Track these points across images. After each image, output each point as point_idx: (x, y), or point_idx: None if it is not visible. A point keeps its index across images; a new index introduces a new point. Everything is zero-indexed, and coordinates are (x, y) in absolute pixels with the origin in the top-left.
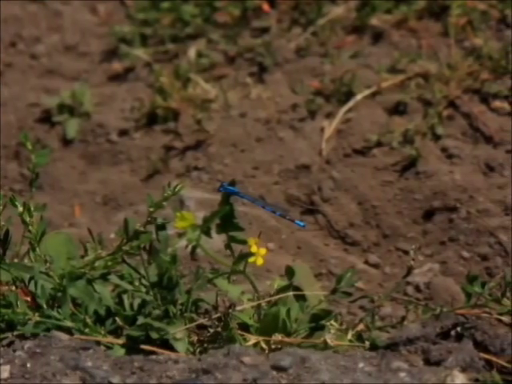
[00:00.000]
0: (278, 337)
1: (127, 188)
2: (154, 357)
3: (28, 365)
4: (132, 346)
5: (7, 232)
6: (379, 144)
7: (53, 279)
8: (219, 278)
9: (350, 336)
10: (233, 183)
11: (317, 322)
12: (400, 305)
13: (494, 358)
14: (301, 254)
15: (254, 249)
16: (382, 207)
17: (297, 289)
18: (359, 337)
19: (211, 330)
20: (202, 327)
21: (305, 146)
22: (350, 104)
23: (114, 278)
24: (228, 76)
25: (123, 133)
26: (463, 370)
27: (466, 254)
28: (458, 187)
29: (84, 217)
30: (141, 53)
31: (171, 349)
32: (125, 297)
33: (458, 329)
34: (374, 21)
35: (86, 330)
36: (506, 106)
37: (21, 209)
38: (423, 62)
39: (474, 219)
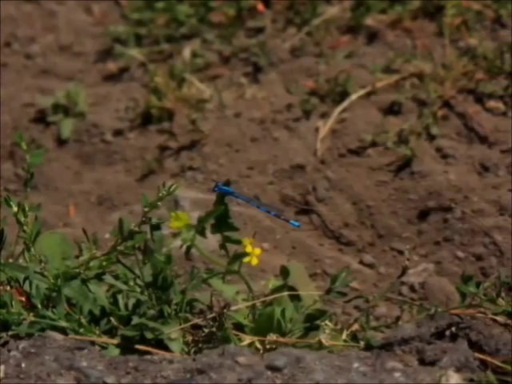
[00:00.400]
0: (272, 337)
1: (122, 188)
2: (148, 357)
3: (23, 365)
4: (127, 346)
5: (2, 232)
6: (374, 144)
7: (47, 279)
8: (214, 277)
9: (344, 336)
10: (227, 183)
11: (311, 322)
12: (395, 305)
13: (488, 358)
14: (295, 254)
15: (248, 249)
16: (377, 207)
17: (291, 289)
18: (354, 337)
19: (206, 330)
20: (196, 327)
21: (299, 146)
22: (345, 104)
23: (108, 278)
24: (223, 76)
25: (118, 133)
26: (458, 369)
27: (460, 253)
28: (453, 187)
29: (79, 217)
30: (135, 53)
31: (166, 349)
32: (119, 297)
33: (453, 329)
34: (369, 21)
35: (81, 330)
36: (500, 105)
37: (15, 209)
38: (418, 62)
39: (469, 219)
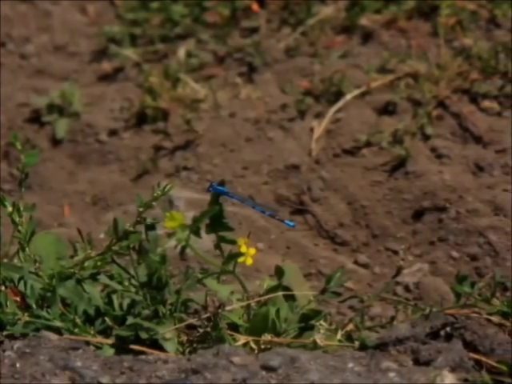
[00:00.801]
0: (267, 337)
1: (116, 188)
2: (143, 357)
3: (17, 365)
4: (121, 346)
5: None
6: (369, 144)
7: (42, 279)
8: (209, 278)
9: (339, 336)
10: (222, 183)
11: (306, 322)
12: (389, 305)
13: (483, 358)
14: (290, 254)
15: (243, 249)
16: (372, 207)
17: (286, 289)
18: (349, 337)
19: (201, 330)
20: (191, 327)
21: (294, 146)
22: (340, 104)
23: (103, 278)
24: (217, 76)
25: (113, 133)
26: (453, 370)
27: (455, 253)
28: (448, 187)
29: (73, 217)
30: (130, 53)
31: (161, 349)
32: (114, 297)
33: (448, 329)
34: (364, 21)
35: (76, 330)
36: (495, 106)
37: (10, 209)
38: (413, 61)
39: (464, 219)
